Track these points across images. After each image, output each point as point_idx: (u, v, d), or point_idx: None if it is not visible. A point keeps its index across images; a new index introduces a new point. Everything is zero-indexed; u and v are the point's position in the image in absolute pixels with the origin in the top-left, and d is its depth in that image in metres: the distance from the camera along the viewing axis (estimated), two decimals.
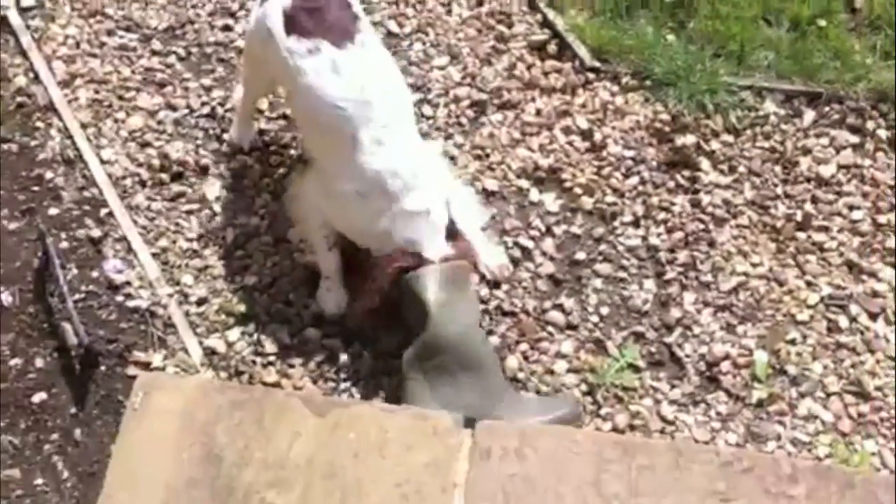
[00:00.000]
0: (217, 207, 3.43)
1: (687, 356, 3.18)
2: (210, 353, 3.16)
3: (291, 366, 3.13)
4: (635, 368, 3.15)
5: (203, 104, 3.65)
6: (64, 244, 3.33)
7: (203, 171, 3.50)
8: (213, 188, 3.46)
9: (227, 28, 3.85)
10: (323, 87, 3.01)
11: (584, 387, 3.10)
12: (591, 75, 3.75)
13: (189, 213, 3.42)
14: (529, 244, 3.37)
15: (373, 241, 3.07)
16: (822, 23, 3.83)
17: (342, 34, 3.03)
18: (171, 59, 3.76)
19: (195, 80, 3.71)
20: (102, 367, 3.10)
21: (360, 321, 3.16)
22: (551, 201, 3.46)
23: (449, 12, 3.93)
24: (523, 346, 3.17)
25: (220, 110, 3.63)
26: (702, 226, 3.43)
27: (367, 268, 3.08)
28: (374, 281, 3.05)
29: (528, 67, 3.78)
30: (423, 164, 3.10)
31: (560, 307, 3.25)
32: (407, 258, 2.99)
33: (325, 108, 3.01)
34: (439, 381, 2.94)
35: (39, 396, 3.06)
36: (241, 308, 3.22)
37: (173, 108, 3.63)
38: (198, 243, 3.36)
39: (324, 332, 3.19)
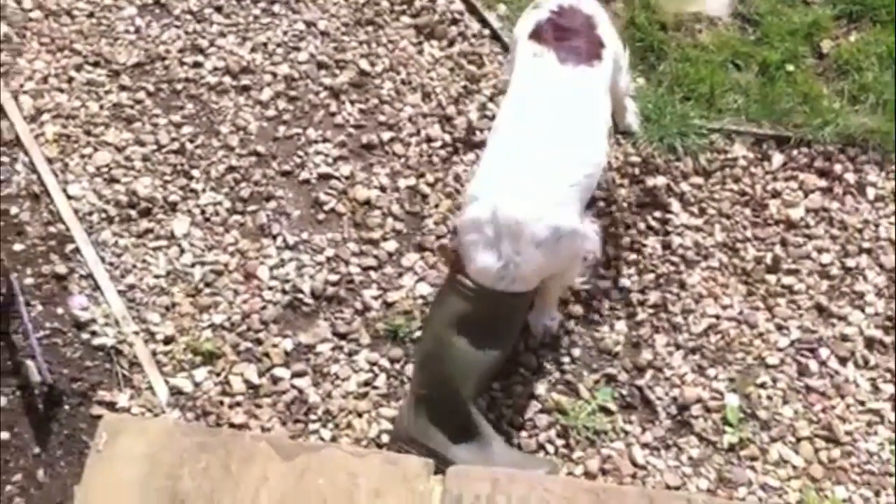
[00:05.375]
0: (185, 244, 3.39)
1: (658, 399, 3.17)
2: (176, 392, 3.11)
3: (259, 406, 3.10)
4: (607, 411, 3.14)
5: (172, 140, 3.62)
6: (29, 280, 3.27)
7: (171, 207, 3.47)
8: (181, 225, 3.43)
9: (197, 65, 3.82)
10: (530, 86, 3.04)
11: (556, 429, 3.09)
12: None
13: (157, 249, 3.38)
14: None
15: None
16: (791, 67, 3.88)
17: (569, 53, 3.02)
18: (141, 94, 3.73)
19: (164, 116, 3.68)
20: (66, 406, 3.05)
21: None
22: None
23: (420, 52, 3.93)
24: (495, 387, 3.14)
25: (189, 146, 3.60)
26: (673, 267, 3.43)
27: None
28: None
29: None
30: None
31: (532, 349, 3.23)
32: None
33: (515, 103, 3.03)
34: None
35: (2, 435, 3.00)
36: (209, 346, 3.18)
37: (142, 144, 3.60)
38: (165, 280, 3.32)
39: (293, 371, 3.15)
